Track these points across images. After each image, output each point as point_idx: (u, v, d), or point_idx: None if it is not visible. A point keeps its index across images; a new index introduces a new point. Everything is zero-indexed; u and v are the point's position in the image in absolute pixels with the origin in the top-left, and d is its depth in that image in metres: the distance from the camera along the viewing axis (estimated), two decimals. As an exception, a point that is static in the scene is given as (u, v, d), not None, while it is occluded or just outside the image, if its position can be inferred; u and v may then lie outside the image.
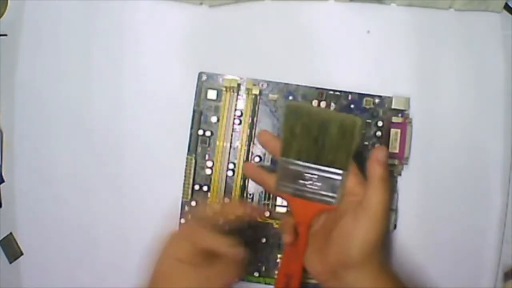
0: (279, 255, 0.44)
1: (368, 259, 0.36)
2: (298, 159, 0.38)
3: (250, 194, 0.45)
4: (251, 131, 0.44)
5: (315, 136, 0.37)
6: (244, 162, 0.44)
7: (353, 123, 0.37)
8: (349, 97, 0.44)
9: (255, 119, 0.45)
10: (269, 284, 0.44)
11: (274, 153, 0.41)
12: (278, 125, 0.45)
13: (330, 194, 0.38)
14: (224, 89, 0.44)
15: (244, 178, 0.44)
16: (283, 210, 0.44)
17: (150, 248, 0.46)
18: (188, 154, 0.45)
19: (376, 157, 0.36)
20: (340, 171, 0.37)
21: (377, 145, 0.43)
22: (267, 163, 0.45)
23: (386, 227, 0.38)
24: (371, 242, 0.35)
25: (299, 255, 0.38)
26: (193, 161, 0.45)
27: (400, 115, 0.44)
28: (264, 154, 0.45)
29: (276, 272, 0.44)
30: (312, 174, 0.38)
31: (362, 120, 0.37)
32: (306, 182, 0.38)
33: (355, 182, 0.37)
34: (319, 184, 0.38)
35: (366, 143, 0.44)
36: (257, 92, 0.44)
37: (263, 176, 0.41)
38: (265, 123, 0.45)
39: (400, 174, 0.44)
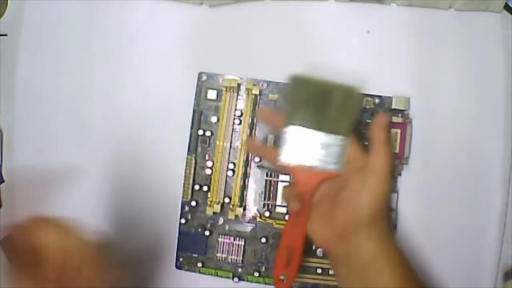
0: (279, 255, 0.44)
1: (375, 220, 0.38)
2: (302, 126, 0.39)
3: (250, 194, 0.45)
4: (251, 131, 0.44)
5: (317, 105, 0.39)
6: (247, 139, 0.44)
7: (352, 91, 0.40)
8: (349, 97, 0.44)
9: (255, 119, 0.45)
10: (269, 284, 0.44)
11: (277, 126, 0.42)
12: (278, 125, 0.45)
13: (334, 161, 0.39)
14: (224, 89, 0.44)
15: (244, 178, 0.44)
16: (283, 210, 0.44)
17: (150, 248, 0.46)
18: (188, 154, 0.45)
19: (380, 122, 0.39)
20: (342, 138, 0.39)
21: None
22: (267, 163, 0.45)
23: (391, 189, 0.40)
24: (378, 202, 0.38)
25: (302, 225, 0.39)
26: (193, 161, 0.45)
27: (400, 115, 0.44)
28: (264, 154, 0.45)
29: (276, 272, 0.44)
30: (315, 142, 0.39)
31: (358, 89, 0.40)
32: (309, 151, 0.39)
33: (356, 149, 0.39)
34: (322, 152, 0.39)
35: (366, 143, 0.44)
36: (257, 92, 0.44)
37: (266, 151, 0.42)
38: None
39: (400, 174, 0.44)
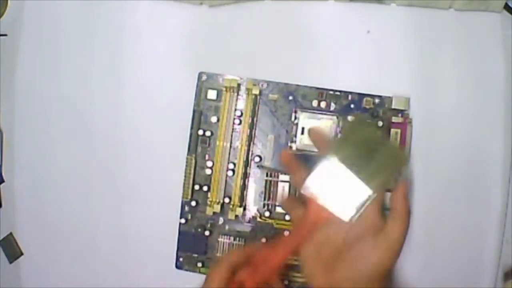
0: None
1: (378, 279, 0.37)
2: (341, 162, 0.38)
3: (250, 194, 0.45)
4: (251, 131, 0.44)
5: (365, 151, 0.38)
6: (282, 150, 0.44)
7: (405, 158, 0.41)
8: (349, 97, 0.44)
9: (255, 119, 0.45)
10: (269, 284, 0.44)
11: (319, 148, 0.41)
12: (277, 125, 0.45)
13: (350, 209, 0.38)
14: (224, 89, 0.44)
15: (244, 178, 0.44)
16: (283, 210, 0.44)
17: (150, 248, 0.46)
18: (188, 154, 0.45)
19: (402, 192, 0.38)
20: (370, 192, 0.37)
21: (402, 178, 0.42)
22: (267, 163, 0.45)
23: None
24: (384, 269, 0.37)
25: (290, 247, 0.38)
26: (193, 161, 0.45)
27: (400, 115, 0.44)
28: (264, 155, 0.45)
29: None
30: (344, 182, 0.38)
31: (407, 156, 0.42)
32: (334, 188, 0.38)
33: (377, 210, 0.38)
34: (345, 194, 0.38)
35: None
36: (257, 92, 0.44)
37: (296, 168, 0.41)
38: (265, 123, 0.45)
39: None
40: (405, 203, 0.38)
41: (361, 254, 0.37)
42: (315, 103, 0.44)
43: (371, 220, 0.38)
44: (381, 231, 0.37)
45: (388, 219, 0.38)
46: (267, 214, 0.44)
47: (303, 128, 0.44)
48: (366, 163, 0.38)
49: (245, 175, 0.44)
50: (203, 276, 0.43)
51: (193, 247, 0.45)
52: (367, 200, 0.38)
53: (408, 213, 0.38)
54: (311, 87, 0.44)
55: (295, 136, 0.44)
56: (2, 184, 0.47)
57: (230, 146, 0.44)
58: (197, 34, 0.46)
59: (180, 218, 0.45)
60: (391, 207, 0.38)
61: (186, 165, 0.45)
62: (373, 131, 0.41)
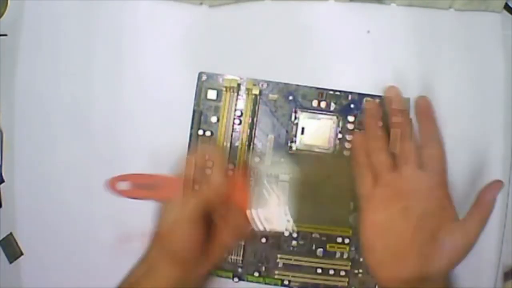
0: (279, 255, 0.44)
1: (445, 277, 0.37)
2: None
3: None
4: (251, 131, 0.44)
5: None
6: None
7: None
8: (349, 97, 0.44)
9: (255, 119, 0.45)
10: (270, 284, 0.44)
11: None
12: (277, 125, 0.45)
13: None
14: (224, 89, 0.44)
15: (244, 178, 0.44)
16: (283, 210, 0.44)
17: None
18: (188, 154, 0.45)
19: (494, 191, 0.37)
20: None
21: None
22: (267, 163, 0.45)
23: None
24: (457, 263, 0.37)
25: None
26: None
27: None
28: (264, 155, 0.45)
29: (277, 272, 0.44)
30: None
31: None
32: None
33: (451, 207, 0.38)
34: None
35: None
36: (257, 92, 0.44)
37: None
38: (265, 123, 0.45)
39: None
40: (492, 203, 0.37)
41: (439, 249, 0.36)
42: (315, 103, 0.44)
43: (447, 210, 0.37)
44: (458, 228, 0.37)
45: (469, 215, 0.37)
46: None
47: (303, 128, 0.44)
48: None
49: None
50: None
51: (193, 247, 0.45)
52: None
53: (491, 209, 0.37)
54: (311, 87, 0.45)
55: (295, 136, 0.44)
56: (2, 184, 0.47)
57: (230, 146, 0.44)
58: (197, 34, 0.46)
59: (180, 218, 0.45)
60: (475, 202, 0.37)
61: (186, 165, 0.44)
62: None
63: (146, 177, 0.40)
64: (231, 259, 0.44)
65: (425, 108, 0.41)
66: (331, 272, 0.44)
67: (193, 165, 0.39)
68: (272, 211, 0.39)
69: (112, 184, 0.40)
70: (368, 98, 0.44)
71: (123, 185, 0.39)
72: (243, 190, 0.39)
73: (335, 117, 0.44)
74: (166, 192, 0.39)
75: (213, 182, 0.39)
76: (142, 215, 0.46)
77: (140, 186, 0.39)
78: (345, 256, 0.44)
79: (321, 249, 0.44)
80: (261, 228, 0.40)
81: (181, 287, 0.38)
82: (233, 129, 0.44)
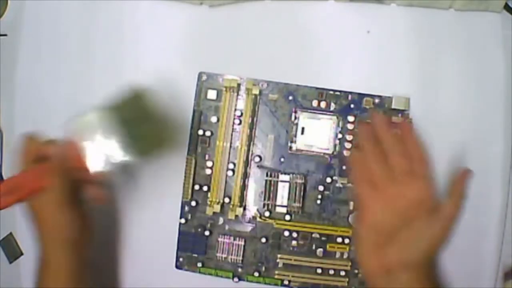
0: (279, 255, 0.44)
1: (427, 263, 0.37)
2: (110, 123, 0.39)
3: (250, 194, 0.45)
4: (251, 131, 0.44)
5: (136, 121, 0.40)
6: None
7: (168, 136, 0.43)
8: (349, 97, 0.44)
9: (255, 119, 0.45)
10: (269, 284, 0.44)
11: None
12: (277, 125, 0.45)
13: (100, 164, 0.39)
14: (224, 89, 0.44)
15: (244, 178, 0.44)
16: (283, 210, 0.44)
17: (150, 248, 0.46)
18: (188, 154, 0.45)
19: (465, 179, 0.39)
20: (124, 156, 0.39)
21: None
22: (267, 163, 0.45)
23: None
24: (436, 248, 0.37)
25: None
26: (193, 161, 0.45)
27: (400, 115, 0.44)
28: (264, 155, 0.45)
29: (277, 272, 0.44)
30: (106, 140, 0.39)
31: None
32: (96, 141, 0.39)
33: (430, 193, 0.38)
34: (103, 150, 0.39)
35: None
36: (257, 92, 0.44)
37: None
38: (265, 123, 0.45)
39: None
40: (463, 189, 0.38)
41: (415, 234, 0.37)
42: (315, 103, 0.44)
43: (425, 202, 0.38)
44: (435, 211, 0.37)
45: (443, 204, 0.38)
46: (267, 214, 0.44)
47: (303, 128, 0.44)
48: (130, 131, 0.39)
49: (245, 175, 0.44)
50: (203, 276, 0.43)
51: (193, 247, 0.45)
52: (119, 162, 0.39)
53: (464, 196, 0.38)
54: (311, 87, 0.45)
55: (295, 136, 0.44)
56: (2, 184, 0.47)
57: (230, 146, 0.44)
58: (197, 34, 0.46)
59: (180, 218, 0.45)
60: (449, 189, 0.38)
61: (186, 165, 0.44)
62: (150, 107, 0.41)
63: (5, 182, 0.39)
64: (231, 259, 0.44)
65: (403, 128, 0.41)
66: (331, 272, 0.44)
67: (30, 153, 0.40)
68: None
69: None
70: (365, 113, 0.44)
71: None
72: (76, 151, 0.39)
73: (335, 117, 0.44)
74: (28, 187, 0.38)
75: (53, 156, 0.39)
76: (142, 214, 0.46)
77: (6, 194, 0.38)
78: (345, 256, 0.44)
79: (321, 249, 0.44)
80: (100, 166, 0.39)
81: (80, 265, 0.39)
82: (233, 129, 0.44)
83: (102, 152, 0.38)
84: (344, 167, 0.44)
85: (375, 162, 0.38)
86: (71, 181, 0.39)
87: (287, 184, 0.44)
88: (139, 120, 0.40)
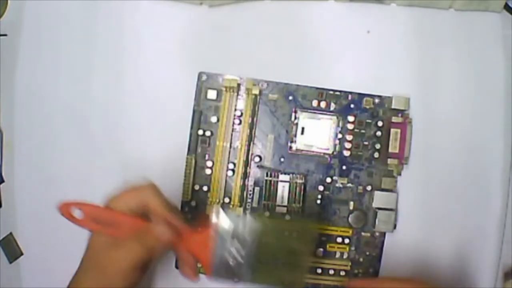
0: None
1: None
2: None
3: (250, 194, 0.45)
4: (251, 131, 0.44)
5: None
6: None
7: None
8: (349, 97, 0.44)
9: (255, 119, 0.45)
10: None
11: None
12: (277, 125, 0.45)
13: None
14: (224, 89, 0.44)
15: (244, 178, 0.44)
16: (283, 210, 0.44)
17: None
18: (188, 154, 0.45)
19: None
20: None
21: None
22: (267, 163, 0.45)
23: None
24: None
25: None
26: (193, 161, 0.45)
27: (400, 115, 0.44)
28: (264, 155, 0.45)
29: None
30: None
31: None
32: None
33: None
34: None
35: (366, 143, 0.44)
36: (257, 92, 0.44)
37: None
38: (265, 123, 0.45)
39: (400, 174, 0.44)
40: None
41: None
42: (315, 103, 0.44)
43: None
44: None
45: None
46: (267, 214, 0.44)
47: (303, 128, 0.45)
48: (262, 255, 0.37)
49: (245, 175, 0.44)
50: (203, 276, 0.43)
51: (193, 247, 0.45)
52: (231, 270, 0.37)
53: None
54: (311, 87, 0.45)
55: (295, 136, 0.45)
56: (2, 184, 0.47)
57: (230, 146, 0.44)
58: (197, 34, 0.46)
59: (180, 218, 0.45)
60: None
61: (186, 165, 0.44)
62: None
63: (102, 211, 0.37)
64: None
65: None
66: (331, 272, 0.44)
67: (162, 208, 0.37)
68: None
69: (65, 208, 0.37)
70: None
71: (77, 213, 0.37)
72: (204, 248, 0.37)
73: (335, 117, 0.44)
74: (120, 233, 0.36)
75: (156, 233, 0.37)
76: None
77: (94, 219, 0.36)
78: (345, 256, 0.44)
79: (321, 249, 0.44)
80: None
81: None
82: (233, 129, 0.44)
83: (227, 254, 0.37)
84: (344, 167, 0.44)
85: None
86: (154, 252, 0.37)
87: (287, 184, 0.44)
88: (276, 250, 0.38)
